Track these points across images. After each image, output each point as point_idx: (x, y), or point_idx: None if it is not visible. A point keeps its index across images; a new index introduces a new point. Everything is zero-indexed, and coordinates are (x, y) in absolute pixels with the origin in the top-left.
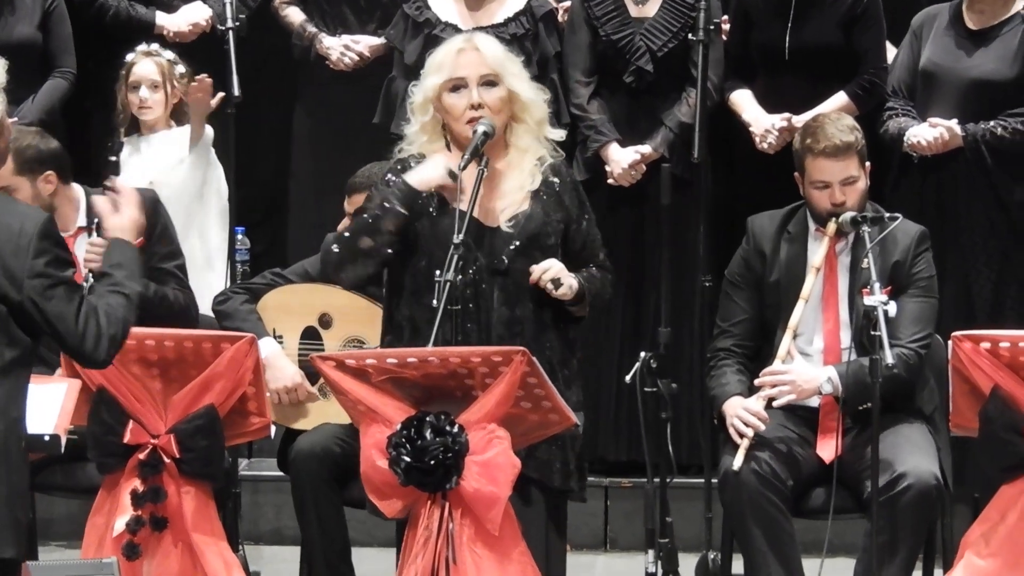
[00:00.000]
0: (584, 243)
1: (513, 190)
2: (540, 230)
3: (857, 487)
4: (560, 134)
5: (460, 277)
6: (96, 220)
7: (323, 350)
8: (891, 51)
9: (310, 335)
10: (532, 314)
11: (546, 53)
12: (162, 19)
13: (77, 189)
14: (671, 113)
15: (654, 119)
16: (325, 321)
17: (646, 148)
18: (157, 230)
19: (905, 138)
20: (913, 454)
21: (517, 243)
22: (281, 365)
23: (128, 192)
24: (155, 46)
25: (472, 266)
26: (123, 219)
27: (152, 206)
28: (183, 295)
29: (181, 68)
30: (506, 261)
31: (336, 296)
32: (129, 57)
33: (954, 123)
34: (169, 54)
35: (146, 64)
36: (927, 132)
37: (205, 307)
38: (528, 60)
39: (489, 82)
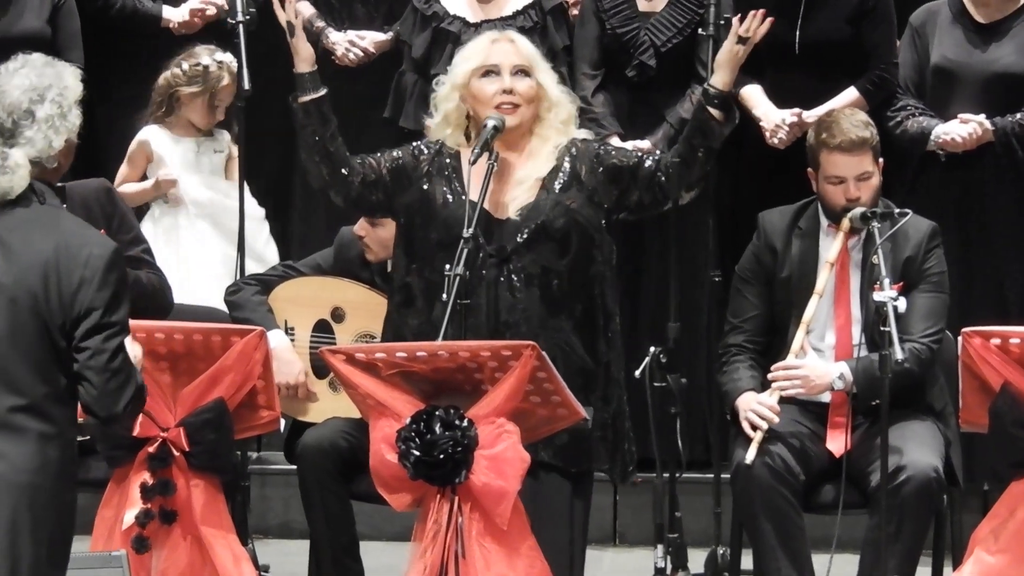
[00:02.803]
0: (639, 159)
1: (525, 180)
2: (547, 217)
3: (862, 482)
4: (587, 135)
5: (467, 271)
6: None
7: (335, 344)
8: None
9: (322, 328)
10: (539, 299)
11: (554, 47)
12: (169, 12)
13: None
14: (673, 110)
15: (655, 114)
16: (338, 315)
17: (645, 143)
18: (115, 220)
19: (933, 137)
20: (915, 448)
21: (524, 232)
22: (287, 359)
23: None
24: (227, 57)
25: (478, 255)
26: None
27: (107, 195)
28: (156, 278)
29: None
30: (508, 249)
31: (350, 291)
32: (204, 61)
33: (983, 118)
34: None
35: (226, 78)
36: (960, 128)
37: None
38: None
39: (522, 71)
